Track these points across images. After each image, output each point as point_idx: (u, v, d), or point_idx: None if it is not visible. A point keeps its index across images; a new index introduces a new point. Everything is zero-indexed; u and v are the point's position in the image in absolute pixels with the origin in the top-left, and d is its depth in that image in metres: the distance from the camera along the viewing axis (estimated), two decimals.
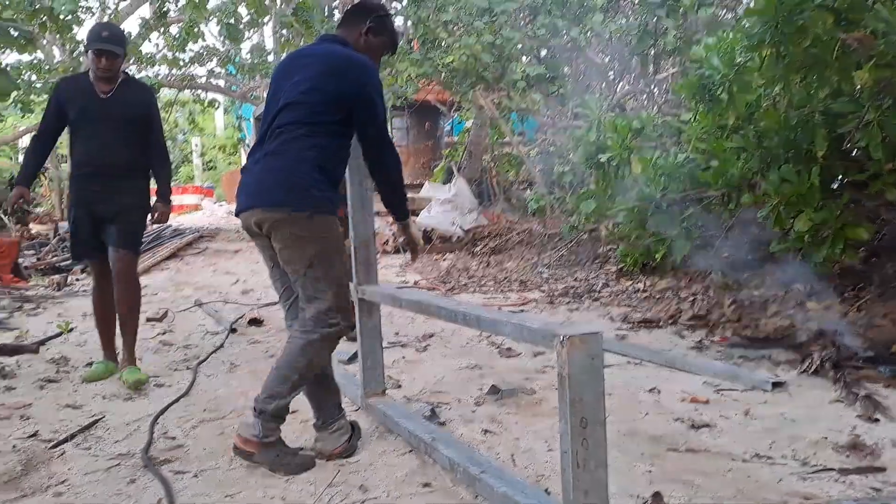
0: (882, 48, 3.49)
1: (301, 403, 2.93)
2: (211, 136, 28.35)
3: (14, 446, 2.39)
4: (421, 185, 13.30)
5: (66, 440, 2.52)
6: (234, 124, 20.13)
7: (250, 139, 20.88)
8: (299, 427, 2.72)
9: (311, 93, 2.28)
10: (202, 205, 22.16)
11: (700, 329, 4.70)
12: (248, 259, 9.25)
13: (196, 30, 11.70)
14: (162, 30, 11.96)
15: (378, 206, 2.77)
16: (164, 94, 16.88)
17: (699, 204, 5.82)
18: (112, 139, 3.35)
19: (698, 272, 6.18)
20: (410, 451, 2.49)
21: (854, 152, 4.64)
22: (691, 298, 5.55)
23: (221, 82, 15.27)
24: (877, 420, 2.79)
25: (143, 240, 3.63)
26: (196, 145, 26.60)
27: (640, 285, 6.38)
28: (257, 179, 2.32)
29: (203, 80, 14.41)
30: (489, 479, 2.03)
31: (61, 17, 8.55)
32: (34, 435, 2.59)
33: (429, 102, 13.94)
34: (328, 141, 2.29)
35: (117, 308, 3.48)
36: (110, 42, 3.31)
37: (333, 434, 2.42)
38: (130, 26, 18.01)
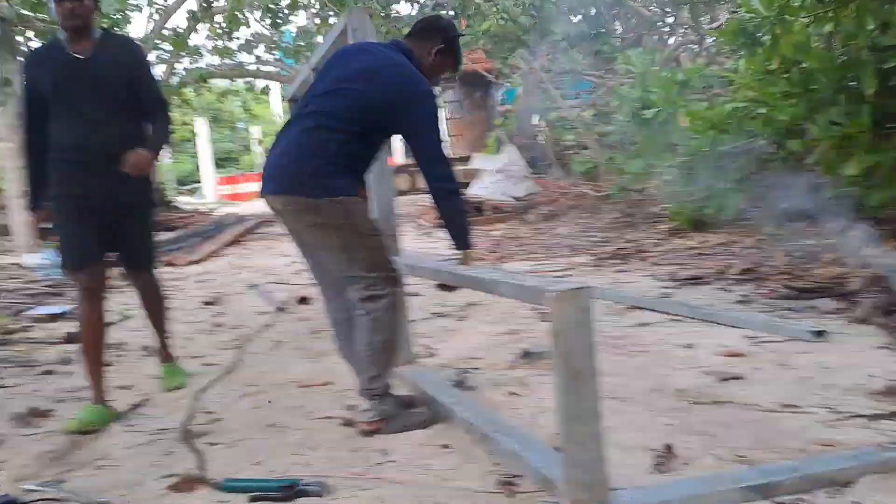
0: None
1: (333, 375, 3.07)
2: (270, 123, 29.02)
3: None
4: (473, 157, 13.29)
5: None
6: (287, 110, 20.59)
7: None
8: (328, 397, 2.84)
9: (357, 92, 2.28)
10: None
11: (749, 283, 4.57)
12: None
13: (240, 16, 11.97)
14: (208, 21, 12.27)
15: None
16: (218, 85, 17.40)
17: (749, 154, 5.63)
18: (98, 113, 2.67)
19: (752, 225, 6.00)
20: None
21: None
22: (742, 252, 5.40)
23: (271, 68, 15.58)
24: None
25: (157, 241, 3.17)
26: (255, 133, 27.30)
27: (692, 242, 6.23)
28: (279, 164, 2.33)
29: (253, 67, 14.74)
30: (500, 436, 2.09)
31: (110, 15, 8.91)
32: None
33: (477, 72, 13.82)
34: (354, 140, 2.29)
35: (144, 308, 3.18)
36: None
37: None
38: (178, 20, 18.48)
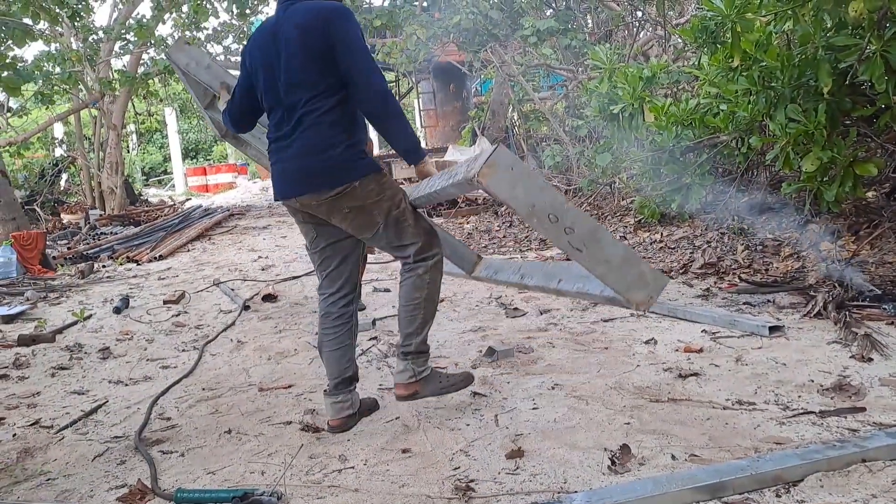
0: None
1: (295, 377, 3.04)
2: None
3: (14, 434, 2.51)
4: (446, 149, 13.26)
5: (66, 426, 2.65)
6: None
7: None
8: (289, 400, 2.82)
9: (306, 65, 2.26)
10: (237, 182, 22.61)
11: (710, 277, 4.64)
12: (274, 235, 9.42)
13: (205, 4, 11.75)
14: (173, 11, 12.04)
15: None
16: None
17: (712, 149, 5.70)
18: None
19: (714, 219, 6.09)
20: (397, 417, 2.55)
21: (863, 87, 4.46)
22: (705, 246, 5.47)
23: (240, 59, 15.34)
24: (870, 359, 2.75)
25: None
26: None
27: (657, 236, 6.30)
28: (297, 167, 2.33)
29: (221, 58, 14.50)
30: (563, 285, 2.33)
31: (70, 4, 8.69)
32: (36, 423, 2.73)
33: (451, 64, 13.76)
34: (344, 107, 2.31)
35: None
36: None
37: (336, 405, 2.45)
38: (143, 10, 18.14)
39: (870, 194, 5.09)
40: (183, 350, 3.77)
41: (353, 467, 2.15)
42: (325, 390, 2.50)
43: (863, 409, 2.27)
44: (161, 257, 7.61)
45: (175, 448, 2.40)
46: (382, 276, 5.72)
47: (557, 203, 1.74)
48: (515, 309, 4.26)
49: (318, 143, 2.28)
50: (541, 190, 1.74)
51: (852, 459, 1.88)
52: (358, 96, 2.28)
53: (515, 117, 13.61)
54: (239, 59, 14.88)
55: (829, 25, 4.22)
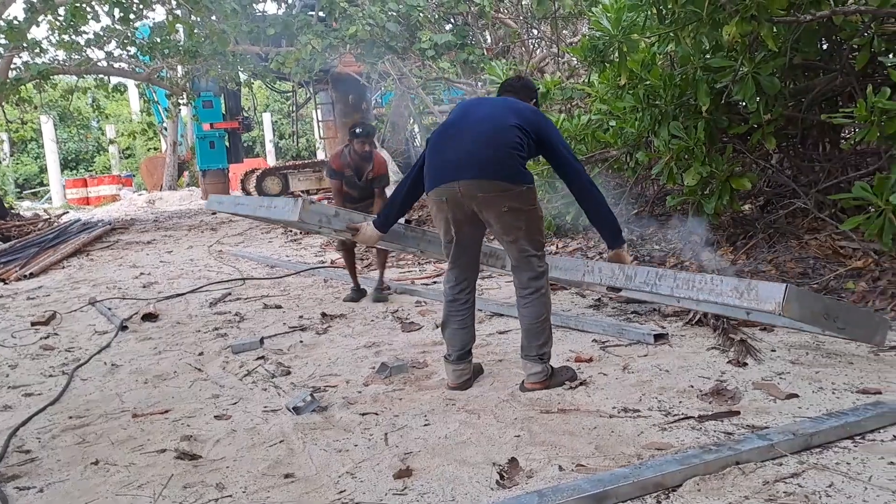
0: (746, 2, 3.53)
1: (173, 401, 2.84)
2: (127, 121, 27.21)
3: None
4: None
5: None
6: (144, 109, 19.37)
7: (165, 124, 20.17)
8: (165, 427, 2.63)
9: (497, 118, 2.75)
10: (121, 195, 21.43)
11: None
12: (158, 250, 8.95)
13: (84, 8, 11.05)
14: (48, 13, 11.26)
15: None
16: (64, 81, 16.03)
17: (604, 163, 5.90)
18: None
19: None
20: (281, 441, 2.43)
21: (737, 106, 4.75)
22: (597, 258, 5.64)
23: (124, 65, 14.55)
24: (745, 364, 2.89)
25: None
26: (109, 133, 25.45)
27: (553, 248, 6.43)
28: (473, 154, 2.69)
29: (103, 63, 13.69)
30: None
31: None
32: None
33: (350, 75, 13.62)
34: (524, 140, 2.74)
35: None
36: None
37: (457, 371, 2.90)
38: (16, 11, 16.94)
39: (746, 207, 5.42)
40: (50, 375, 3.46)
41: (230, 496, 2.02)
42: (445, 356, 2.94)
43: (737, 413, 2.37)
44: (32, 275, 7.03)
45: (33, 483, 2.17)
46: (274, 292, 5.53)
47: (828, 306, 2.67)
48: (411, 323, 4.21)
49: (499, 140, 2.67)
50: (817, 302, 2.63)
51: (727, 462, 1.95)
52: (571, 187, 2.87)
53: (416, 130, 13.68)
54: (124, 65, 14.07)
55: (706, 48, 4.48)
